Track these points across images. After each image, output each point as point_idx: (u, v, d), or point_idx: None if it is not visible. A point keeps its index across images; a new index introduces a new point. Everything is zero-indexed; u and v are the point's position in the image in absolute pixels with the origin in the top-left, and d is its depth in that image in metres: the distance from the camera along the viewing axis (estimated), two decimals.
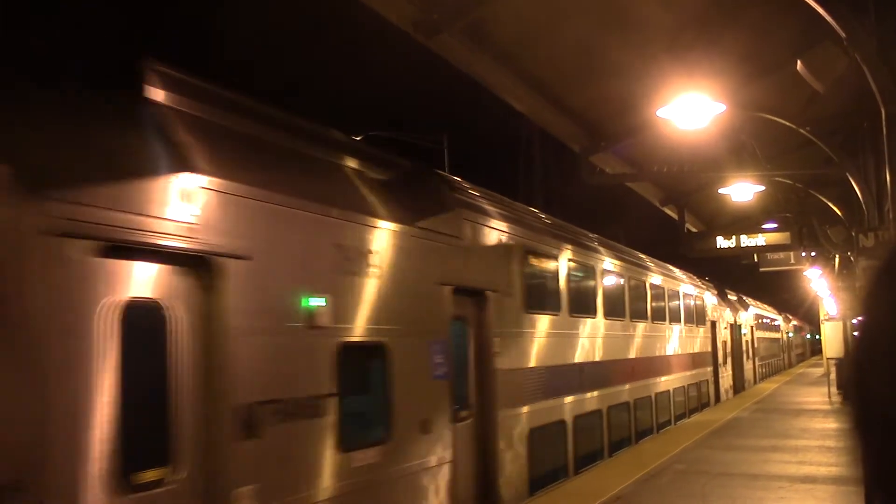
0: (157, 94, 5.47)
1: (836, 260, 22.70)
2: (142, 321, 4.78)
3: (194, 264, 5.14)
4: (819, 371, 37.54)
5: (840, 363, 23.94)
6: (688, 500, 9.75)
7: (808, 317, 61.62)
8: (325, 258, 6.53)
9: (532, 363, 10.80)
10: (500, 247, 10.08)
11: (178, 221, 5.04)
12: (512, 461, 9.79)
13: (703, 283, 23.97)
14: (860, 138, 13.97)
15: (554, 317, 11.81)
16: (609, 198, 25.13)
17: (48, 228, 4.11)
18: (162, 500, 4.76)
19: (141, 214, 4.77)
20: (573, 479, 11.22)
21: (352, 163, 7.67)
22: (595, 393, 13.30)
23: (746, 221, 21.06)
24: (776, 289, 50.12)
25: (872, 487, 0.94)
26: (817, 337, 57.90)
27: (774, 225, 19.53)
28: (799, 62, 9.62)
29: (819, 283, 29.83)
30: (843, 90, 10.89)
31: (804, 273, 29.74)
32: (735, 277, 33.78)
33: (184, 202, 5.11)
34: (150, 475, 4.77)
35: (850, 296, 19.81)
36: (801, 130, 13.51)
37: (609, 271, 14.84)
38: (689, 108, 10.43)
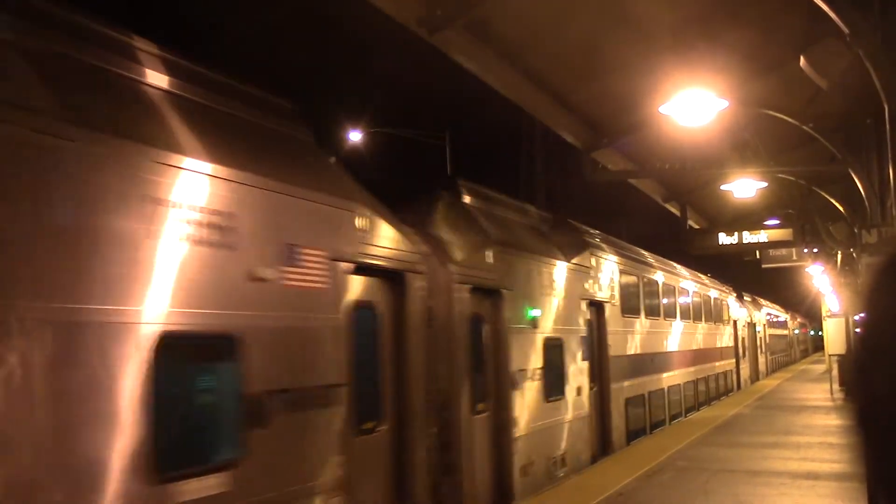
0: (467, 199, 10.17)
1: (839, 257, 22.68)
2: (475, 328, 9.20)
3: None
4: (821, 368, 37.55)
5: (842, 360, 23.94)
6: (690, 497, 9.76)
7: (811, 313, 62.24)
8: (537, 287, 10.89)
9: (625, 352, 14.95)
10: (610, 271, 14.30)
11: (487, 268, 9.41)
12: (617, 419, 14.02)
13: (725, 288, 27.82)
14: (863, 135, 13.96)
15: (636, 318, 15.95)
16: (611, 194, 25.13)
17: (453, 281, 8.47)
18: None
19: (481, 268, 9.25)
20: (575, 476, 11.26)
21: (538, 224, 12.61)
22: (661, 375, 17.60)
23: (749, 218, 21.07)
24: (778, 285, 50.17)
25: (875, 483, 0.95)
26: (819, 333, 58.88)
27: (777, 221, 19.53)
28: (802, 59, 9.62)
29: (821, 279, 29.82)
30: (847, 86, 10.88)
31: (806, 270, 29.72)
32: (737, 274, 33.78)
33: (491, 260, 9.47)
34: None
35: (852, 292, 19.82)
36: (804, 127, 13.50)
37: (666, 283, 19.10)
38: (692, 105, 10.42)
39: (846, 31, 8.30)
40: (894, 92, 8.59)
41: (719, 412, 20.03)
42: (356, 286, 6.62)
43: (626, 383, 14.68)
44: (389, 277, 7.21)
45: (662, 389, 17.62)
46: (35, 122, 3.94)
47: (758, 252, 23.26)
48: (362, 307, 6.74)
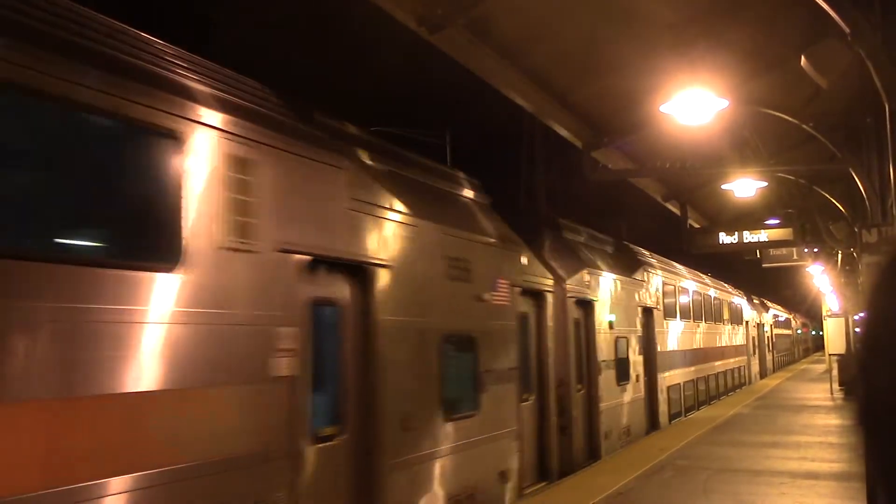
0: (565, 234, 13.47)
1: (839, 256, 22.68)
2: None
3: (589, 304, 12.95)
4: (821, 367, 37.53)
5: (842, 359, 23.94)
6: (690, 496, 9.76)
7: (811, 313, 62.79)
8: (612, 298, 14.19)
9: (667, 349, 18.29)
10: (655, 283, 17.74)
11: (584, 285, 12.80)
12: (662, 403, 17.47)
13: (738, 293, 30.98)
14: (864, 134, 13.94)
15: (674, 321, 19.41)
16: (611, 193, 25.15)
17: (567, 296, 11.63)
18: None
19: (580, 286, 12.43)
20: (574, 476, 11.26)
21: (607, 248, 16.01)
22: (692, 368, 21.03)
23: (749, 217, 21.05)
24: (779, 285, 50.22)
25: (877, 481, 0.95)
26: (819, 333, 60.01)
27: (777, 221, 19.50)
28: (803, 58, 9.60)
29: (822, 279, 29.81)
30: (847, 86, 10.87)
31: (807, 269, 29.72)
32: (738, 274, 33.75)
33: (588, 278, 12.91)
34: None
35: (852, 292, 19.81)
36: (805, 126, 13.48)
37: (696, 291, 22.52)
38: (692, 104, 10.41)
39: (847, 30, 8.29)
40: (895, 91, 8.58)
41: (719, 411, 20.03)
42: (520, 302, 10.13)
43: (666, 374, 18.11)
44: (536, 295, 10.86)
45: (693, 380, 21.14)
46: (402, 216, 7.44)
47: (758, 251, 23.25)
48: (523, 316, 10.32)
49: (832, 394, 23.90)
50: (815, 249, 24.24)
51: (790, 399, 23.99)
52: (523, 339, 10.25)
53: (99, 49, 4.54)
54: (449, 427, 7.92)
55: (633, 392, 15.23)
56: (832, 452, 13.14)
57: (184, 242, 4.73)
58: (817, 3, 8.08)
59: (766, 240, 18.92)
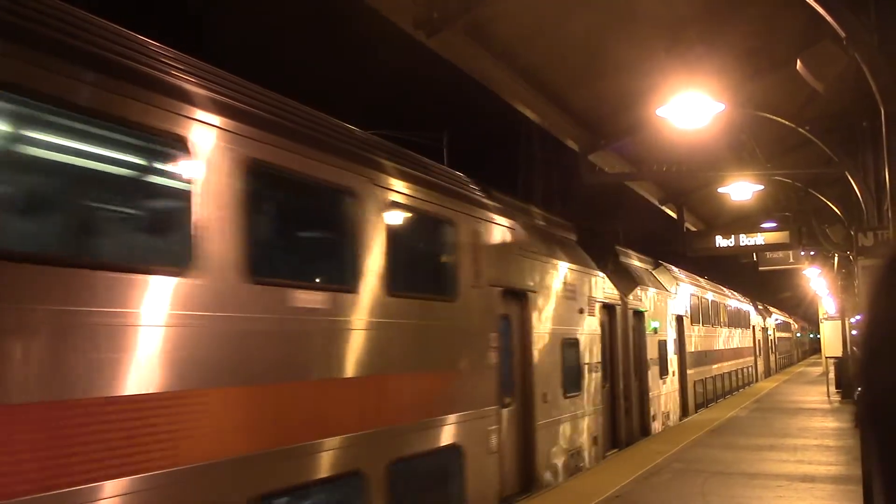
0: (621, 257, 15.89)
1: (836, 259, 22.71)
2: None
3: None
4: (818, 370, 37.57)
5: (839, 363, 23.97)
6: (687, 499, 9.77)
7: (807, 316, 63.50)
8: (655, 308, 17.26)
9: (693, 349, 21.51)
10: (684, 294, 20.87)
11: (638, 299, 16.05)
12: (690, 394, 20.82)
13: (746, 300, 34.45)
14: (859, 137, 13.98)
15: (699, 326, 22.71)
16: (609, 196, 25.21)
17: (627, 308, 14.97)
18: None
19: (635, 299, 15.74)
20: (573, 478, 11.26)
21: (648, 265, 18.61)
22: (712, 366, 24.37)
23: (746, 220, 21.09)
24: (776, 288, 50.35)
25: (876, 483, 0.95)
26: (814, 336, 61.60)
27: (774, 224, 19.55)
28: (798, 61, 9.63)
29: (818, 282, 29.85)
30: (843, 89, 10.90)
31: (803, 272, 29.77)
32: (735, 277, 33.81)
33: (640, 293, 15.97)
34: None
35: (849, 295, 19.84)
36: (801, 129, 13.52)
37: (714, 300, 25.83)
38: (689, 107, 10.43)
39: (843, 34, 8.32)
40: (890, 94, 8.61)
41: (716, 414, 20.05)
42: (601, 313, 13.34)
43: (693, 371, 21.24)
44: (608, 308, 13.93)
45: (713, 377, 24.50)
46: (550, 259, 11.18)
47: (755, 254, 23.30)
48: (602, 324, 13.37)
49: (829, 397, 23.92)
50: (812, 252, 24.28)
51: (787, 402, 24.02)
52: (603, 341, 13.52)
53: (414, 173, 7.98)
54: (566, 402, 11.39)
55: (670, 385, 18.73)
56: (829, 455, 13.16)
57: (460, 284, 8.41)
58: (813, 8, 8.11)
59: (763, 243, 18.97)
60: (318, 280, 6.58)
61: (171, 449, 4.62)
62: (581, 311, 12.12)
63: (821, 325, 29.90)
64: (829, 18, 8.17)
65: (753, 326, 34.35)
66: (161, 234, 5.18)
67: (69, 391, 4.06)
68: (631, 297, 15.19)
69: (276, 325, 5.59)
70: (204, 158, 5.05)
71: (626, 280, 15.27)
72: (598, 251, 14.16)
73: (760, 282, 39.23)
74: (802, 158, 16.30)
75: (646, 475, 11.28)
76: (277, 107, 6.08)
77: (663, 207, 20.23)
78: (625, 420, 14.66)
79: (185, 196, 4.93)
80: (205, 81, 5.35)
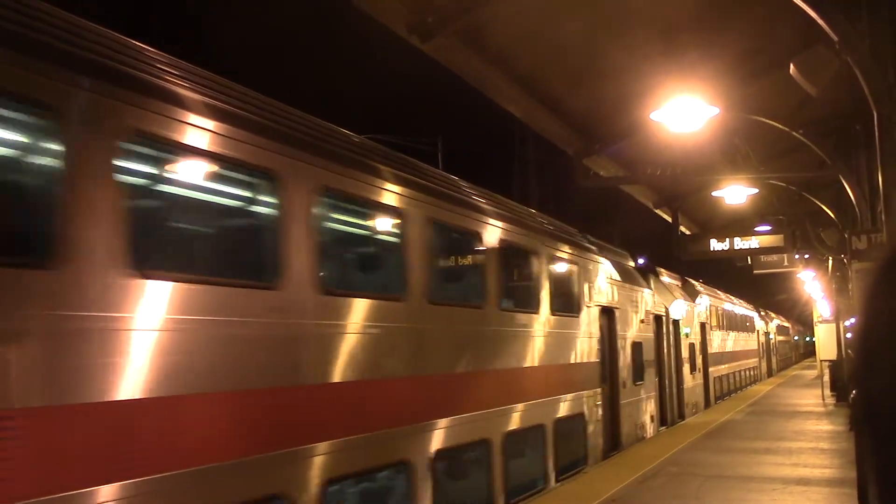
0: (661, 276, 20.00)
1: (830, 262, 22.78)
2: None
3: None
4: (812, 373, 37.64)
5: (834, 365, 24.02)
6: (682, 503, 9.77)
7: (802, 319, 64.12)
8: (686, 316, 21.37)
9: (713, 351, 25.48)
10: (705, 304, 24.90)
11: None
12: (711, 389, 24.77)
13: (751, 307, 38.84)
14: (853, 141, 14.04)
15: (716, 331, 26.86)
16: (603, 199, 25.29)
17: (669, 317, 19.19)
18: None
19: (675, 311, 20.02)
20: (569, 482, 11.25)
21: (677, 282, 22.16)
22: (726, 366, 28.61)
23: (740, 224, 21.12)
24: (770, 291, 50.48)
25: (871, 486, 0.95)
26: (809, 339, 63.08)
27: (768, 227, 19.58)
28: (792, 65, 9.66)
29: (812, 285, 29.92)
30: (836, 93, 10.94)
31: (798, 275, 29.84)
32: (729, 280, 33.88)
33: (678, 310, 20.64)
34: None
35: (843, 298, 19.89)
36: (794, 133, 13.56)
37: (727, 309, 30.23)
38: (683, 111, 10.45)
39: (835, 38, 8.35)
40: (883, 98, 8.64)
41: (711, 417, 20.07)
42: (653, 323, 17.11)
43: (713, 368, 25.36)
44: (657, 318, 17.58)
45: (728, 374, 28.88)
46: (624, 283, 15.37)
47: (749, 258, 23.35)
48: (653, 331, 17.05)
49: (824, 399, 23.95)
50: (806, 256, 24.36)
51: (782, 405, 24.05)
52: (653, 344, 17.18)
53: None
54: (636, 388, 15.52)
55: (697, 380, 22.82)
56: (824, 458, 13.17)
57: (581, 305, 12.39)
58: (806, 12, 8.14)
59: (757, 246, 19.01)
60: (531, 307, 10.63)
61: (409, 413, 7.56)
62: (642, 321, 16.27)
63: (815, 328, 29.97)
64: (821, 23, 8.20)
65: (758, 331, 39.22)
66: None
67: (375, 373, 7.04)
68: (671, 308, 19.26)
69: (516, 333, 10.23)
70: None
71: (665, 295, 18.98)
72: (645, 272, 18.17)
73: (755, 285, 39.38)
74: (796, 162, 16.34)
75: (641, 479, 11.28)
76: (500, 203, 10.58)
77: (658, 211, 20.25)
78: (668, 404, 18.87)
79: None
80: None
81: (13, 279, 3.91)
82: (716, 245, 18.82)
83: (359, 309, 6.75)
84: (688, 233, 21.88)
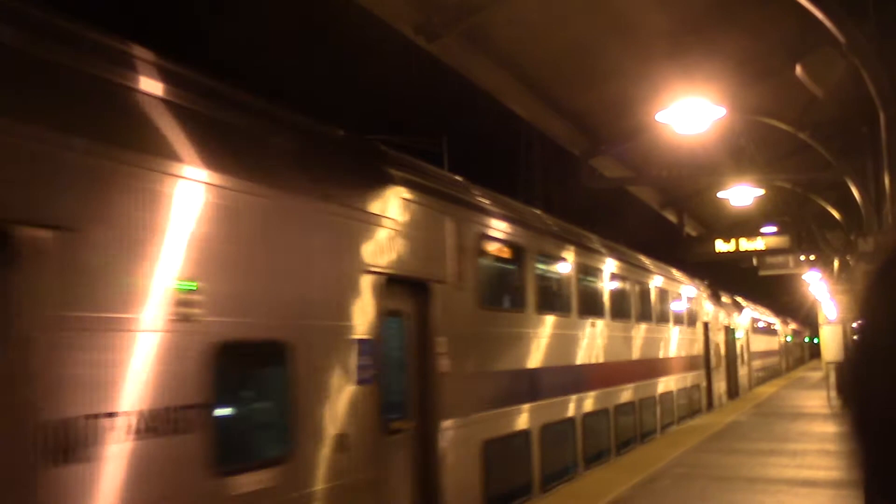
0: (721, 296, 26.52)
1: (835, 264, 22.73)
2: None
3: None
4: (818, 375, 37.56)
5: (839, 367, 23.96)
6: None
7: (807, 321, 64.50)
8: (733, 322, 30.20)
9: (752, 350, 33.51)
10: (748, 314, 32.71)
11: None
12: (753, 377, 32.76)
13: (771, 312, 45.98)
14: (859, 142, 13.98)
15: (755, 335, 34.72)
16: (608, 200, 25.26)
17: (730, 327, 28.01)
18: None
19: (725, 319, 26.78)
20: (573, 482, 11.25)
21: (729, 300, 29.05)
22: (762, 361, 36.97)
23: (745, 225, 21.10)
24: (776, 292, 50.48)
25: (872, 489, 0.96)
26: (815, 341, 64.32)
27: (774, 229, 19.55)
28: (798, 67, 9.65)
29: (818, 286, 29.86)
30: (842, 94, 10.92)
31: (803, 277, 29.77)
32: (736, 281, 33.82)
33: (726, 315, 28.63)
34: None
35: (849, 299, 19.85)
36: (800, 135, 13.54)
37: (755, 315, 36.28)
38: (689, 113, 10.45)
39: (842, 40, 8.34)
40: (889, 100, 8.63)
41: (716, 419, 20.05)
42: (722, 330, 25.61)
43: (754, 363, 32.96)
44: (726, 328, 26.36)
45: (762, 367, 36.08)
46: (713, 303, 24.18)
47: (755, 259, 23.32)
48: (723, 337, 24.60)
49: (829, 401, 23.89)
50: (812, 257, 24.30)
51: (787, 406, 24.00)
52: (725, 343, 22.72)
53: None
54: (718, 373, 22.82)
55: (744, 371, 29.87)
56: (829, 460, 13.14)
57: (696, 320, 21.13)
58: (812, 13, 8.13)
59: (763, 248, 18.98)
60: (685, 323, 18.29)
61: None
62: (719, 329, 23.67)
63: (820, 329, 29.93)
64: (828, 24, 8.19)
65: (778, 334, 48.73)
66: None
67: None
68: (730, 320, 26.62)
69: (679, 338, 18.35)
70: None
71: (727, 309, 25.86)
72: (716, 295, 24.15)
73: (761, 286, 39.30)
74: (802, 163, 16.31)
75: (645, 481, 11.27)
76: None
77: (663, 212, 20.23)
78: (732, 384, 26.20)
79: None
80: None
81: None
82: (721, 246, 18.80)
83: (600, 324, 12.96)
84: (693, 234, 21.86)
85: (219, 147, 4.97)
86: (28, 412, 3.52)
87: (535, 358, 10.14)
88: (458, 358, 7.60)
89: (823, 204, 18.66)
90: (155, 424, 4.11)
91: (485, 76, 11.15)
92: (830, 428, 17.83)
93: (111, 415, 3.89)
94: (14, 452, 3.48)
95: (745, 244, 18.80)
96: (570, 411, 11.50)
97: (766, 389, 30.67)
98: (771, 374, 40.40)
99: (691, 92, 10.10)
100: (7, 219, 3.55)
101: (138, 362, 4.09)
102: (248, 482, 4.71)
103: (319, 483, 5.42)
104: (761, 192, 16.65)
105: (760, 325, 38.82)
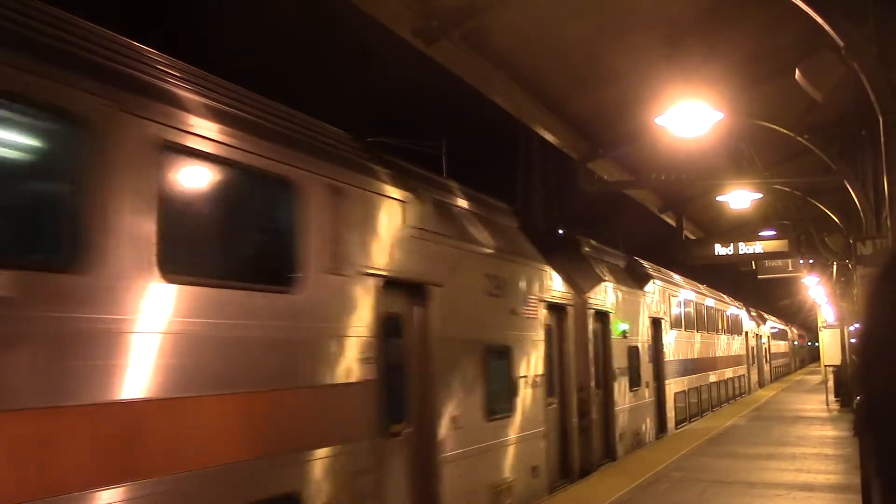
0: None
1: (834, 268, 22.72)
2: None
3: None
4: (817, 378, 37.58)
5: (838, 370, 23.95)
6: None
7: (806, 324, 65.03)
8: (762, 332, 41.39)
9: (771, 352, 44.99)
10: (768, 325, 44.47)
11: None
12: (771, 374, 43.59)
13: (780, 320, 53.26)
14: (858, 146, 13.99)
15: (773, 340, 46.11)
16: (607, 203, 25.24)
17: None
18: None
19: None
20: (572, 486, 11.23)
21: (757, 315, 40.66)
22: (774, 363, 46.14)
23: (744, 229, 21.09)
24: (775, 296, 50.56)
25: (875, 490, 0.95)
26: (812, 344, 66.21)
27: (772, 232, 19.54)
28: (797, 70, 9.65)
29: (817, 290, 29.87)
30: (842, 98, 10.92)
31: (802, 281, 29.78)
32: (734, 285, 33.85)
33: (763, 328, 41.73)
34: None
35: (848, 303, 19.84)
36: (800, 138, 13.53)
37: (773, 325, 47.39)
38: (688, 116, 10.44)
39: (841, 43, 8.33)
40: (889, 104, 8.62)
41: (715, 423, 20.02)
42: (756, 339, 37.13)
43: (772, 362, 43.49)
44: (758, 337, 37.71)
45: (776, 366, 44.67)
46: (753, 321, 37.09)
47: (753, 263, 23.31)
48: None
49: (828, 405, 23.89)
50: (811, 261, 24.30)
51: (786, 410, 23.99)
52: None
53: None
54: (753, 369, 34.72)
55: (765, 367, 38.50)
56: (828, 464, 13.13)
57: (740, 329, 32.82)
58: (811, 17, 8.12)
59: (762, 251, 18.96)
60: (735, 332, 30.05)
61: None
62: (753, 336, 33.23)
63: (819, 333, 29.93)
64: (827, 28, 8.19)
65: (788, 339, 57.57)
66: None
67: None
68: (760, 331, 35.62)
69: (732, 342, 29.73)
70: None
71: (756, 321, 34.24)
72: (747, 308, 32.33)
73: (760, 290, 39.35)
74: (801, 167, 16.31)
75: (644, 484, 11.25)
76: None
77: (662, 215, 20.23)
78: (760, 376, 34.40)
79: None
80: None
81: None
82: (720, 250, 18.78)
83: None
84: (692, 237, 21.85)
85: (495, 235, 9.99)
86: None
87: (691, 352, 21.88)
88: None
89: (823, 208, 18.66)
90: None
91: (483, 79, 11.14)
92: (829, 432, 17.82)
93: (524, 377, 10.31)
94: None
95: (744, 247, 18.78)
96: (706, 381, 23.81)
97: (765, 393, 33.75)
98: (784, 372, 51.25)
99: (690, 96, 10.09)
100: (426, 281, 7.66)
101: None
102: (500, 425, 9.45)
103: (523, 431, 10.04)
104: (760, 195, 16.64)
105: (775, 331, 48.44)
